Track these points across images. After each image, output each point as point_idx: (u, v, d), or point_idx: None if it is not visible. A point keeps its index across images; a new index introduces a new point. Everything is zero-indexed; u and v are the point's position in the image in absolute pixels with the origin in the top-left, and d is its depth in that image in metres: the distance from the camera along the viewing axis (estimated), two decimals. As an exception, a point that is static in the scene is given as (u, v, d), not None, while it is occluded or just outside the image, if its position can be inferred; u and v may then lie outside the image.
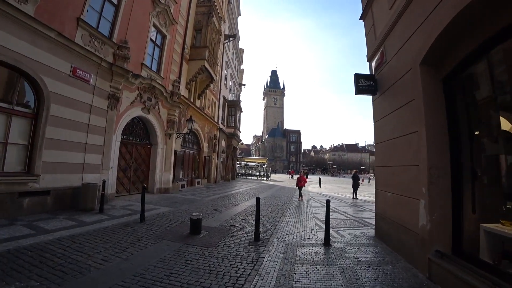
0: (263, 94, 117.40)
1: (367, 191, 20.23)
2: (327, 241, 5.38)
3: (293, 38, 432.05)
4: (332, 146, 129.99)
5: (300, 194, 13.98)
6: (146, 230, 6.33)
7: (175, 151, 14.50)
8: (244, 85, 40.54)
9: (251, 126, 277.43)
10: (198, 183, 19.16)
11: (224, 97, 26.69)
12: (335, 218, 8.64)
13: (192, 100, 17.33)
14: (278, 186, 23.43)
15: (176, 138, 14.49)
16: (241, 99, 39.62)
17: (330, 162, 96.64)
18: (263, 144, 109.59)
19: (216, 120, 23.40)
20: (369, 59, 6.66)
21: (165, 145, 13.54)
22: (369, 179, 38.29)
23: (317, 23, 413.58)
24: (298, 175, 15.55)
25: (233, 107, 29.07)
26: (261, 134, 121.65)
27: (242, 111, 33.02)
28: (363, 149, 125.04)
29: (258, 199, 5.77)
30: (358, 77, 6.03)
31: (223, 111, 26.87)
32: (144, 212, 7.46)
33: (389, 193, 5.24)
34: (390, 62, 5.37)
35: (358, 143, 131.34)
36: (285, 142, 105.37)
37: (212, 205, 10.56)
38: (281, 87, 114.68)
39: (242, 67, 40.39)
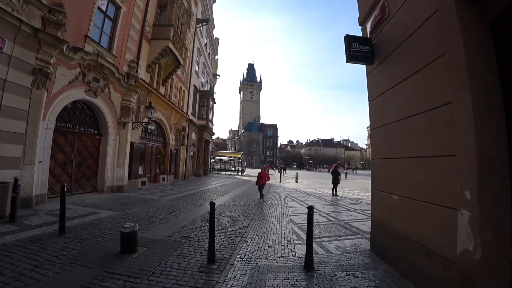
0: (240, 88, 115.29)
1: (347, 187, 19.22)
2: (309, 264, 3.86)
3: (271, 33, 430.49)
4: (308, 141, 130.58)
5: (261, 195, 11.07)
6: (60, 247, 4.53)
7: (132, 143, 12.50)
8: (219, 75, 38.57)
9: (227, 120, 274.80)
10: (163, 179, 17.21)
11: (195, 86, 24.67)
12: (316, 222, 7.21)
13: (155, 86, 15.30)
14: (252, 182, 21.86)
15: (133, 128, 12.49)
16: (215, 91, 37.63)
17: (306, 157, 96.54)
18: (239, 139, 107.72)
19: (185, 110, 21.40)
20: (362, 21, 5.19)
21: (118, 136, 11.52)
22: (346, 173, 37.76)
23: (296, 20, 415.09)
24: (260, 170, 11.99)
25: (206, 98, 27.05)
26: (237, 129, 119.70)
27: (215, 102, 31.08)
28: (339, 144, 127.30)
29: (212, 205, 4.11)
30: (350, 39, 4.53)
31: (194, 101, 24.85)
32: (68, 221, 5.68)
33: (395, 196, 3.80)
34: (396, 15, 3.90)
35: (333, 138, 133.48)
36: (262, 137, 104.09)
37: (170, 206, 8.81)
38: (258, 80, 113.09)
39: (217, 57, 38.26)
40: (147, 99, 13.85)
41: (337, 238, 5.58)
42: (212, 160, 40.66)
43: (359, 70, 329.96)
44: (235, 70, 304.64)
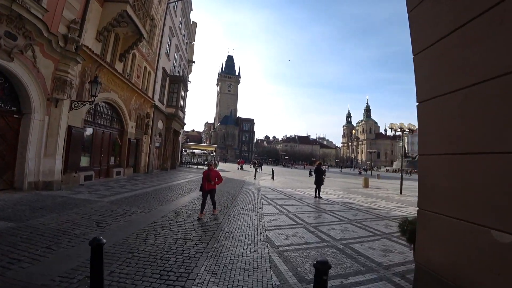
0: (217, 80, 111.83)
1: (328, 187, 17.53)
2: None
3: (252, 28, 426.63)
4: (285, 137, 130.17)
5: (213, 204, 7.33)
6: None
7: (70, 127, 9.81)
8: (194, 62, 35.64)
9: (203, 112, 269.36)
10: (119, 173, 14.51)
11: (164, 69, 21.88)
12: (303, 242, 5.19)
13: (108, 60, 12.55)
14: (225, 178, 19.66)
15: (73, 108, 9.80)
16: (190, 79, 34.80)
17: (283, 153, 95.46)
18: (214, 132, 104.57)
19: (150, 95, 18.67)
20: None
21: (47, 116, 8.82)
22: (325, 171, 36.49)
23: (278, 17, 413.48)
24: (207, 168, 7.29)
25: (177, 83, 24.26)
26: (213, 122, 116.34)
27: (188, 90, 28.37)
28: (314, 142, 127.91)
29: (96, 248, 1.86)
30: None
31: (163, 86, 22.05)
32: None
33: (502, 234, 1.78)
34: None
35: (309, 136, 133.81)
36: (238, 131, 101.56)
37: (104, 213, 6.40)
38: (237, 73, 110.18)
39: (193, 43, 35.25)
40: (96, 73, 11.13)
41: (344, 280, 3.52)
42: (184, 153, 37.88)
43: (336, 69, 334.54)
44: (213, 62, 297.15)
